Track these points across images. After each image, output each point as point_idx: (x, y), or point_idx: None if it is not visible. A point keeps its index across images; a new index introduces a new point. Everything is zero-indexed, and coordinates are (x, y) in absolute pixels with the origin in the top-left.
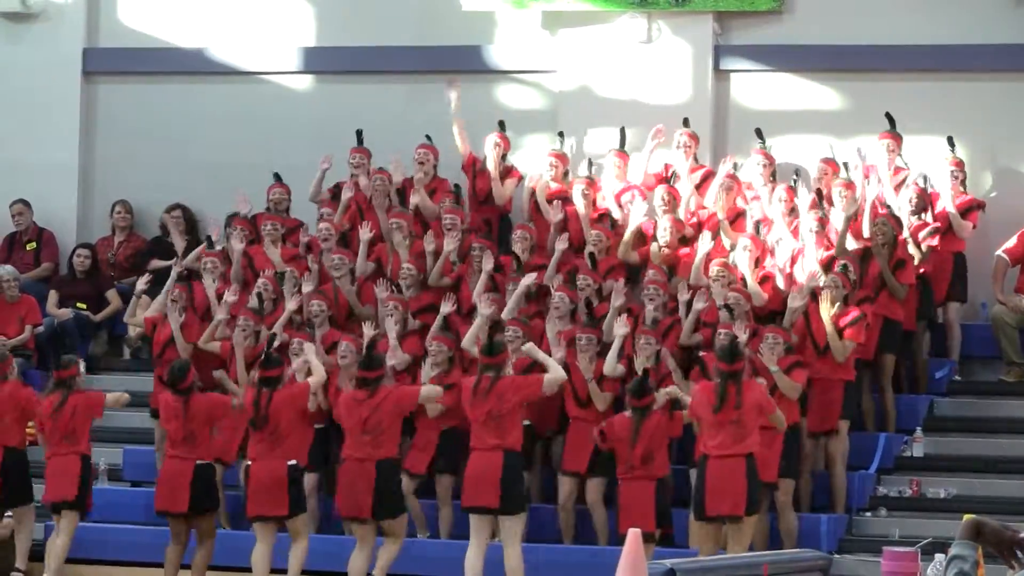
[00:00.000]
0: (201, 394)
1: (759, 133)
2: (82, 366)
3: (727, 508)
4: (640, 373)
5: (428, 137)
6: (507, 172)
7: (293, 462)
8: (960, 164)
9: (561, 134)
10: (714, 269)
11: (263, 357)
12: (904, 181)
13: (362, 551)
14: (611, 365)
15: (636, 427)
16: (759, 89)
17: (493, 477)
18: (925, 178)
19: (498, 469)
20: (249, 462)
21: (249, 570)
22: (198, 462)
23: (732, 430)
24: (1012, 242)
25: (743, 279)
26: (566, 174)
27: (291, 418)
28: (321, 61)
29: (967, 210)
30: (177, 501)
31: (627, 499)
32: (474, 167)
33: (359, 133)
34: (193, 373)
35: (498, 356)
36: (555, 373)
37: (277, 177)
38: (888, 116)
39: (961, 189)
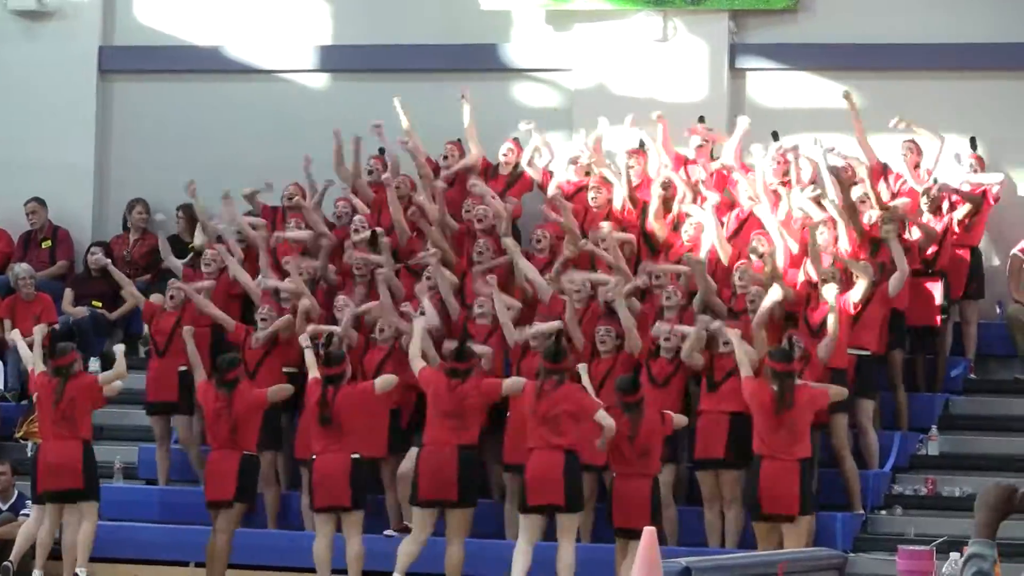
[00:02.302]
0: (243, 387)
1: (775, 136)
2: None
3: (782, 508)
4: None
5: (460, 141)
6: (517, 179)
7: (356, 456)
8: (980, 161)
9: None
10: (739, 270)
11: (325, 355)
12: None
13: (416, 539)
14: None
15: (634, 423)
16: (775, 88)
17: (555, 476)
18: (935, 180)
19: (560, 468)
20: (313, 456)
21: (267, 568)
22: (244, 452)
23: (786, 433)
24: None
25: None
26: (588, 172)
27: (355, 413)
28: (338, 60)
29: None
30: (225, 491)
31: (623, 495)
32: (487, 171)
33: (382, 151)
34: (241, 367)
35: (562, 362)
36: (605, 422)
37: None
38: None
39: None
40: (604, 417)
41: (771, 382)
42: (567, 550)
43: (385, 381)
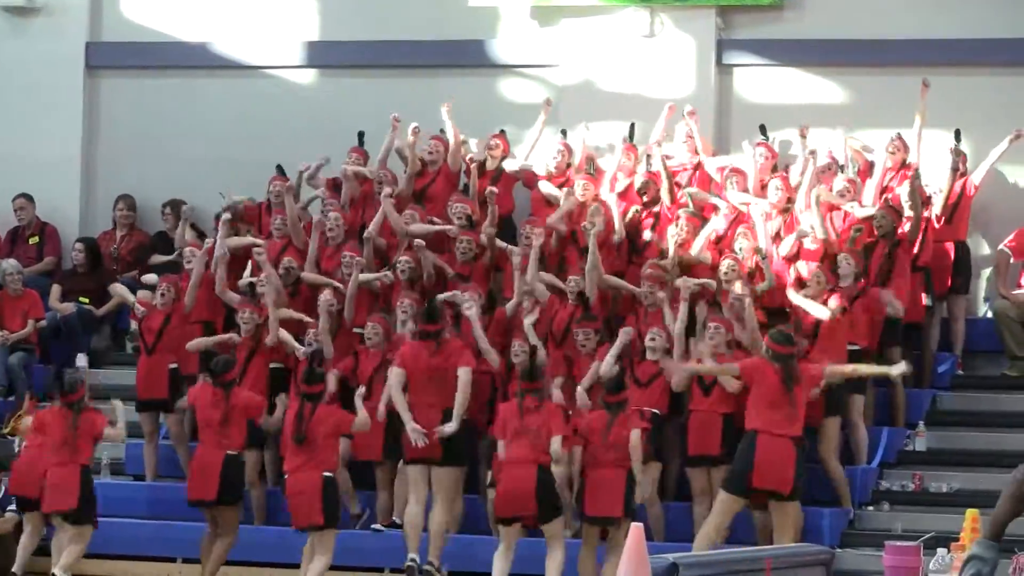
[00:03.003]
0: (241, 388)
1: (763, 129)
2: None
3: (775, 484)
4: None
5: (442, 131)
6: (503, 173)
7: (329, 473)
8: (963, 157)
9: (564, 132)
10: (724, 265)
11: (306, 373)
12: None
13: (418, 502)
14: (607, 366)
15: (610, 422)
16: (762, 83)
17: (528, 491)
18: (919, 174)
19: (532, 483)
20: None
21: (255, 564)
22: (228, 452)
23: (788, 410)
24: (1011, 237)
25: (749, 272)
26: (568, 165)
27: (329, 436)
28: (324, 56)
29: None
30: (208, 490)
31: (594, 483)
32: (473, 171)
33: (361, 135)
34: (236, 369)
35: (538, 381)
36: (555, 452)
37: (280, 170)
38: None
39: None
40: (556, 443)
41: (773, 362)
42: (556, 556)
43: (363, 422)
